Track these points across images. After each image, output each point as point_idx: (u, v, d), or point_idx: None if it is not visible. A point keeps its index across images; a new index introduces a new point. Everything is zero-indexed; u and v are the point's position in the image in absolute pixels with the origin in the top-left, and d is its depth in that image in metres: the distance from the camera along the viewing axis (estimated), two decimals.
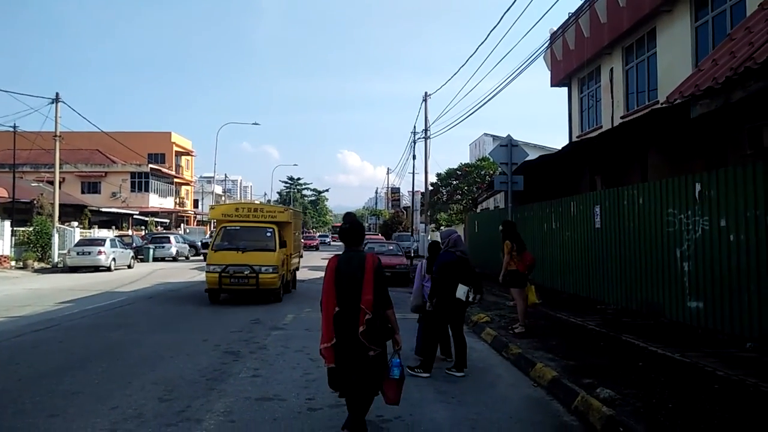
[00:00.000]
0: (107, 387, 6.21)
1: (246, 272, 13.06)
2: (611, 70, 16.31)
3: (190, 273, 23.58)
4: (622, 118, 15.41)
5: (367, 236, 32.78)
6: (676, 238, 8.51)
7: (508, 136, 12.27)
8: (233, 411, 5.41)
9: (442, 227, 31.96)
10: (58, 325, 10.27)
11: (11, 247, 26.04)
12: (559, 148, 17.47)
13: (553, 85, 20.55)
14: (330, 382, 4.51)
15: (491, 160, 30.01)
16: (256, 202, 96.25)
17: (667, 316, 8.77)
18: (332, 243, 71.70)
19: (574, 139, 18.91)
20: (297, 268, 18.67)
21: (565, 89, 20.23)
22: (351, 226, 4.62)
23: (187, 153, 63.20)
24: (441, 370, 6.98)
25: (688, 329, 8.19)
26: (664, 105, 7.76)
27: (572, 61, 18.48)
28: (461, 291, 6.79)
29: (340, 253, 4.64)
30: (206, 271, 13.48)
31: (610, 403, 5.09)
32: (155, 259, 31.67)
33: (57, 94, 27.42)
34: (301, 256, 21.01)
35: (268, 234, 14.20)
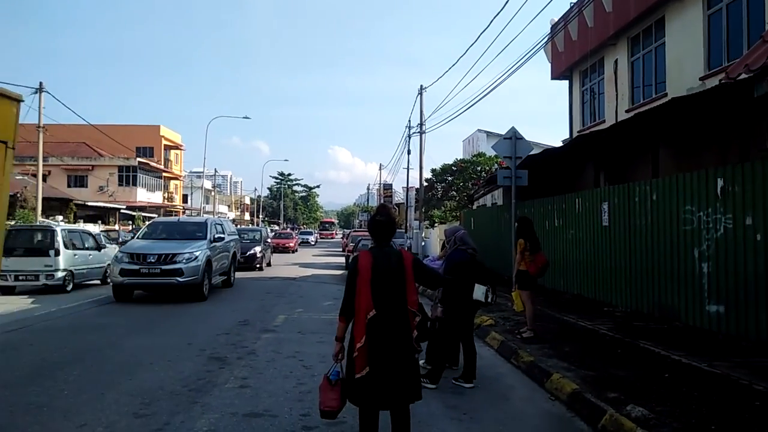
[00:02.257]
0: (77, 399, 5.55)
1: None
2: (616, 61, 15.74)
3: None
4: (626, 111, 14.86)
5: (358, 233, 32.25)
6: (693, 237, 7.96)
7: (512, 128, 11.66)
8: (217, 430, 4.76)
9: (436, 224, 31.35)
10: (31, 326, 9.57)
11: None
12: (555, 144, 17.02)
13: (553, 78, 19.96)
14: (352, 394, 3.76)
15: (487, 155, 29.46)
16: (247, 198, 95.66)
17: (682, 320, 8.23)
18: (318, 241, 65.67)
19: (575, 133, 18.36)
20: None
21: (565, 83, 19.67)
22: (388, 219, 3.99)
23: (177, 147, 62.13)
24: (447, 379, 6.38)
25: (707, 335, 7.65)
26: (724, 81, 7.04)
27: (574, 52, 17.90)
28: (479, 291, 6.21)
29: (369, 248, 4.03)
30: None
31: (644, 423, 4.50)
32: None
33: (41, 83, 26.44)
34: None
35: None
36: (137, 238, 14.49)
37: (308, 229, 79.67)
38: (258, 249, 23.03)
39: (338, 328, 3.88)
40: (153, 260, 12.39)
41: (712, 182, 7.59)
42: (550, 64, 20.12)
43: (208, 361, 7.19)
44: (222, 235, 14.82)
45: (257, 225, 78.20)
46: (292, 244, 40.96)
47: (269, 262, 25.70)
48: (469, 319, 6.51)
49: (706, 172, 7.79)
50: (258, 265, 22.70)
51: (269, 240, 28.17)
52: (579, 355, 7.08)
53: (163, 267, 12.33)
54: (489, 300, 6.29)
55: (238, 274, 18.08)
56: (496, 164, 27.10)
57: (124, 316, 10.86)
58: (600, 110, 17.16)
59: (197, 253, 12.80)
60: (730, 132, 10.13)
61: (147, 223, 19.29)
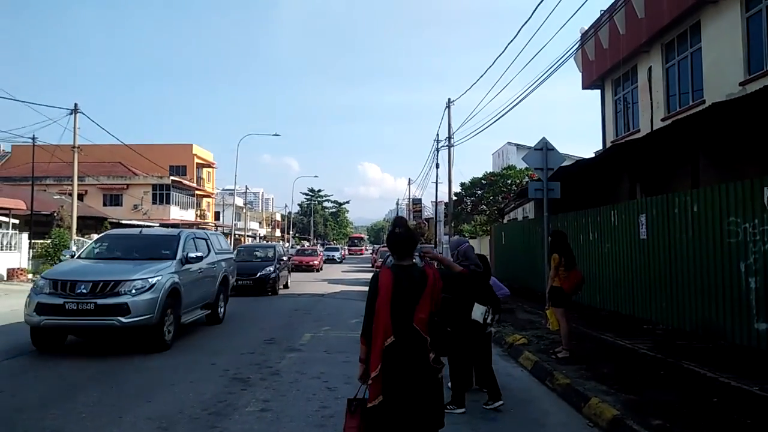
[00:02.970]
0: (94, 423, 5.40)
1: None
2: (650, 69, 15.27)
3: None
4: (662, 120, 14.37)
5: (387, 249, 31.74)
6: (739, 250, 7.52)
7: (543, 139, 11.29)
8: None
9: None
10: None
11: (29, 259, 25.67)
12: (586, 157, 16.48)
13: (584, 87, 19.52)
14: (369, 423, 3.46)
15: (518, 168, 28.95)
16: (278, 215, 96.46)
17: (728, 339, 7.75)
18: (345, 258, 61.81)
19: (609, 144, 17.86)
20: None
21: (597, 92, 19.21)
22: (408, 232, 3.66)
23: (209, 165, 63.08)
24: (478, 403, 6.05)
25: (757, 354, 7.16)
26: None
27: (606, 60, 17.47)
28: (478, 312, 5.79)
29: (388, 264, 3.72)
30: None
31: None
32: None
33: (75, 104, 27.18)
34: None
35: None
36: (77, 257, 10.43)
37: (334, 245, 74.18)
38: (270, 269, 19.34)
39: (361, 349, 3.61)
40: (85, 291, 8.40)
41: (759, 192, 7.18)
42: (580, 74, 19.70)
43: (230, 382, 6.99)
44: (199, 254, 10.79)
45: (288, 241, 78.87)
46: (316, 262, 37.21)
47: (286, 283, 22.12)
48: (478, 339, 6.07)
49: (751, 182, 7.38)
50: (270, 290, 18.96)
51: (286, 257, 23.58)
52: (619, 378, 6.66)
53: (99, 301, 8.35)
54: (489, 321, 5.90)
55: (255, 297, 17.43)
56: (526, 177, 26.59)
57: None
58: (634, 120, 16.66)
59: (154, 280, 8.90)
60: None
61: (96, 237, 14.92)
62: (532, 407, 6.09)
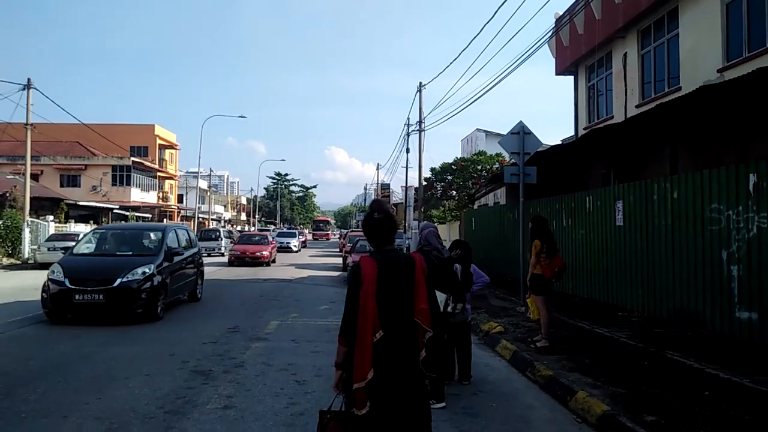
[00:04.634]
0: (35, 424, 4.84)
1: None
2: (625, 55, 15.07)
3: None
4: (636, 107, 14.21)
5: (356, 233, 31.27)
6: (721, 237, 7.31)
7: (520, 122, 10.98)
8: None
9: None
10: (2, 334, 8.82)
11: None
12: (553, 144, 16.31)
13: (558, 73, 19.29)
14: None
15: (488, 154, 28.78)
16: (243, 198, 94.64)
17: (708, 327, 7.58)
18: (305, 244, 50.68)
19: (581, 131, 17.70)
20: None
21: (570, 79, 19.01)
22: (388, 216, 3.23)
23: (172, 146, 61.34)
24: (459, 397, 5.69)
25: (738, 343, 7.01)
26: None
27: (581, 46, 17.23)
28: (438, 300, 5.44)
29: (367, 252, 3.28)
30: None
31: None
32: None
33: (29, 80, 25.71)
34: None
35: None
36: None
37: (290, 229, 57.78)
38: (145, 271, 10.32)
39: (338, 352, 3.09)
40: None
41: (743, 178, 6.97)
42: (554, 60, 19.46)
43: (190, 375, 6.46)
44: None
45: (254, 225, 76.92)
46: (265, 254, 26.11)
47: (197, 294, 13.22)
48: (445, 329, 5.58)
49: (736, 168, 7.16)
50: (141, 310, 10.08)
51: (195, 251, 13.77)
52: (602, 368, 6.38)
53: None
54: (450, 310, 5.52)
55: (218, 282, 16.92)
56: (497, 163, 26.42)
57: (103, 322, 10.02)
58: (608, 106, 16.49)
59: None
60: (756, 126, 9.47)
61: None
62: (515, 401, 5.75)
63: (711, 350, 7.07)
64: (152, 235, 12.12)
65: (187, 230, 14.14)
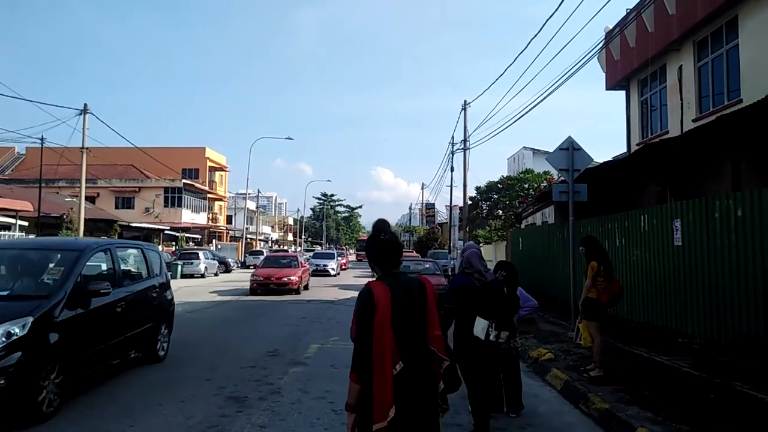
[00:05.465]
0: None
1: None
2: (680, 68, 14.42)
3: (213, 294, 22.24)
4: (693, 121, 13.52)
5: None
6: None
7: (569, 138, 10.54)
8: None
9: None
10: None
11: None
12: (602, 162, 15.63)
13: (608, 88, 18.68)
14: None
15: (536, 172, 28.12)
16: (290, 219, 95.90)
17: None
18: (347, 267, 44.46)
19: (633, 147, 17.01)
20: None
21: (622, 94, 18.36)
22: (394, 237, 3.00)
23: (221, 168, 62.87)
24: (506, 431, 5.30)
25: None
26: None
27: (632, 60, 16.63)
28: (479, 327, 4.97)
29: (374, 278, 2.98)
30: None
31: None
32: (183, 276, 30.60)
33: (85, 105, 26.79)
34: None
35: None
36: None
37: (329, 250, 51.45)
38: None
39: (350, 391, 2.77)
40: None
41: None
42: (604, 75, 18.88)
43: (225, 402, 6.27)
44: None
45: (300, 246, 77.73)
46: (294, 279, 21.09)
47: (165, 346, 8.89)
48: (485, 359, 5.13)
49: None
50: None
51: (166, 278, 9.28)
52: (663, 401, 5.86)
53: None
54: (491, 338, 5.02)
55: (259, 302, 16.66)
56: (545, 181, 25.73)
57: None
58: (663, 121, 15.80)
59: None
60: None
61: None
62: None
63: None
64: (60, 259, 6.84)
65: (143, 249, 8.80)
